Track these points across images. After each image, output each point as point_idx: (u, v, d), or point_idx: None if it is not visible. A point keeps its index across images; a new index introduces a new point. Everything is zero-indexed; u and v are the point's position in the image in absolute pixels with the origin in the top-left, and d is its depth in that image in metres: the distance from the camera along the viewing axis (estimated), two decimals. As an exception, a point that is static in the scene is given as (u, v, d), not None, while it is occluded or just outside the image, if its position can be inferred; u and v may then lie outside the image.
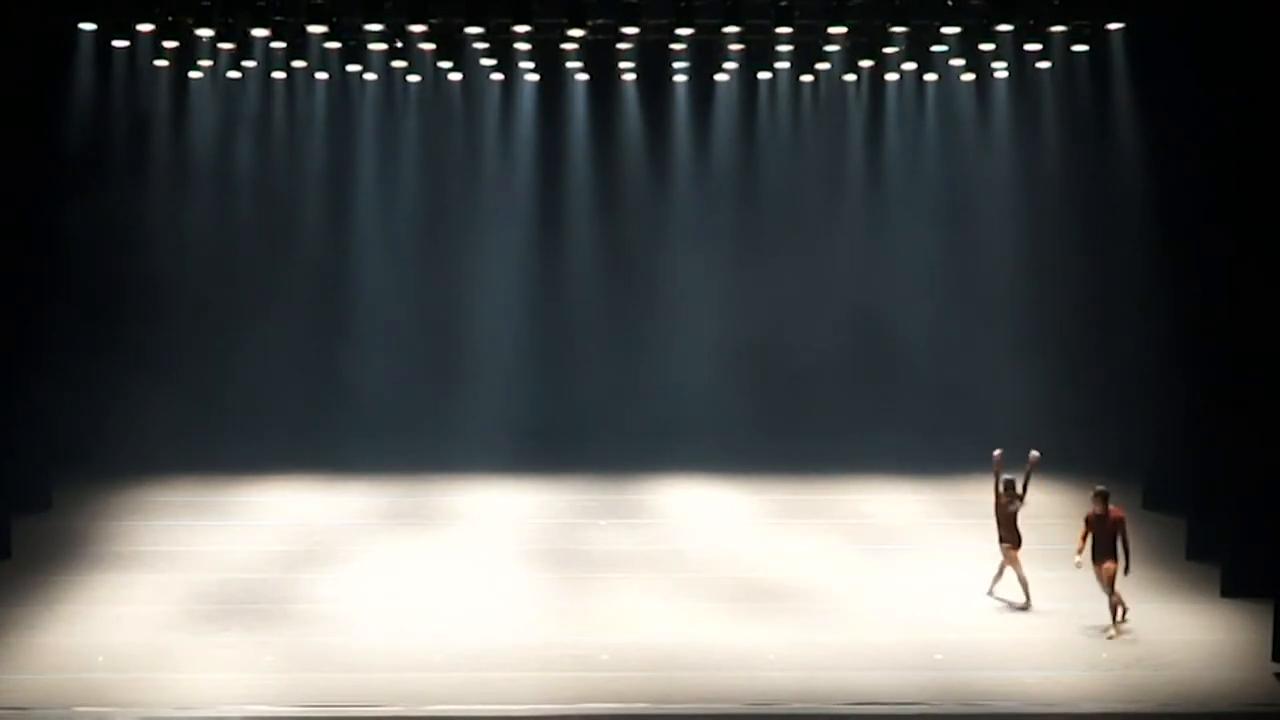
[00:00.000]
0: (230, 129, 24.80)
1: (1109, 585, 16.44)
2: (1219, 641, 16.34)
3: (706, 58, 23.07)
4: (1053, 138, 24.59)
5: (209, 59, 22.73)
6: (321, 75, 23.96)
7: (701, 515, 21.23)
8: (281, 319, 25.07)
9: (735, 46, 22.17)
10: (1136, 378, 22.14)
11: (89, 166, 23.48)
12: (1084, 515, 16.71)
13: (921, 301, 25.40)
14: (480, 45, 22.27)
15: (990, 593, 17.79)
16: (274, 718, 14.46)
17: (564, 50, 22.52)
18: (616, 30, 20.44)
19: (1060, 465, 23.25)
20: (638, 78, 24.36)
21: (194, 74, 23.27)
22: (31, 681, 15.08)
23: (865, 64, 22.95)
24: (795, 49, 22.53)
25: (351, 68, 23.11)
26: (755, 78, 24.26)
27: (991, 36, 21.03)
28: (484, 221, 25.50)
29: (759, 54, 22.55)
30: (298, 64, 22.48)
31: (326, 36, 21.15)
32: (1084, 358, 24.40)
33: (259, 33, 20.87)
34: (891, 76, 24.09)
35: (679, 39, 21.57)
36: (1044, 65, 23.01)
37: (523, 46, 22.37)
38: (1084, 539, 16.59)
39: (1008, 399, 24.52)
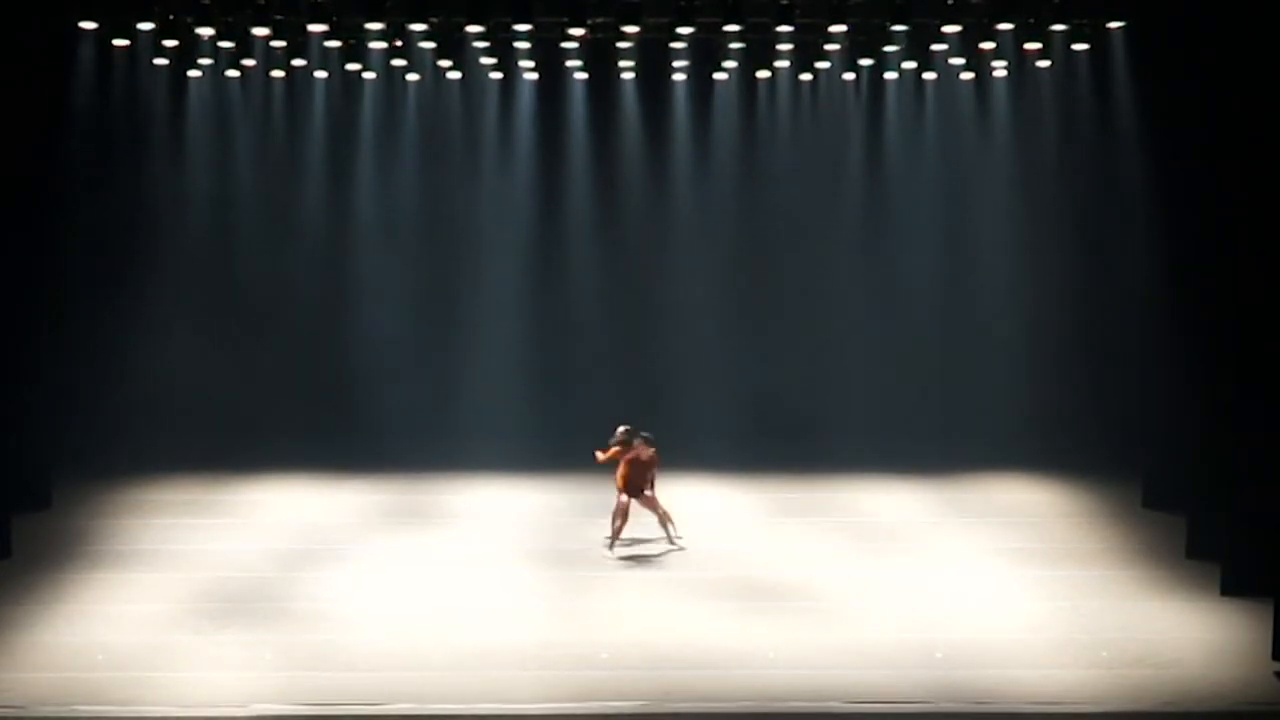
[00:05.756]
0: (229, 128, 24.79)
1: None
2: (1219, 640, 16.31)
3: (706, 57, 23.06)
4: (1053, 136, 24.58)
5: (209, 57, 22.71)
6: (321, 74, 23.95)
7: (702, 514, 21.20)
8: (280, 318, 25.07)
9: (735, 45, 22.16)
10: (1136, 377, 22.13)
11: (88, 166, 23.46)
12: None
13: (921, 300, 25.38)
14: (480, 44, 22.27)
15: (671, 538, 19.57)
16: (274, 716, 14.46)
17: (564, 49, 22.53)
18: (616, 29, 20.45)
19: (1060, 465, 23.35)
20: (637, 77, 24.36)
21: (193, 73, 23.26)
22: (31, 680, 15.08)
23: (865, 63, 22.94)
24: (795, 48, 22.52)
25: (351, 66, 23.08)
26: (755, 76, 24.25)
27: (991, 35, 21.03)
28: (484, 219, 25.42)
29: (759, 53, 22.54)
30: (298, 62, 22.47)
31: (326, 35, 21.15)
32: (1084, 356, 24.40)
33: (259, 31, 20.86)
34: (891, 75, 24.08)
35: (679, 38, 21.58)
36: (1044, 64, 22.99)
37: (523, 45, 22.37)
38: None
39: (1007, 397, 24.55)
